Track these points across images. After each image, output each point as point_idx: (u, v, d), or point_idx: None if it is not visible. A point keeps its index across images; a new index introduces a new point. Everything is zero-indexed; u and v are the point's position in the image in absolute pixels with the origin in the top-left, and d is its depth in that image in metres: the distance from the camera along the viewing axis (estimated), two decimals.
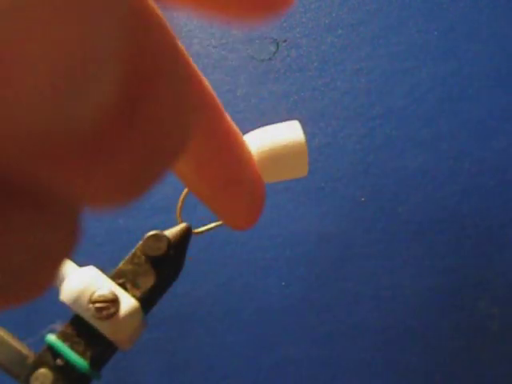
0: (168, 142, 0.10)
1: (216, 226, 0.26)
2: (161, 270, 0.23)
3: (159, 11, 0.09)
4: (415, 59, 0.55)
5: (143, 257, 0.23)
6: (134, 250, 0.24)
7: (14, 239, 0.09)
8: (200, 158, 0.17)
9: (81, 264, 0.24)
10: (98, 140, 0.09)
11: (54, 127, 0.08)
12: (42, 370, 0.21)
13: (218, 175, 0.17)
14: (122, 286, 0.22)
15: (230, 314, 0.48)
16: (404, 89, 0.54)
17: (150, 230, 0.25)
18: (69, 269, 0.23)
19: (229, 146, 0.18)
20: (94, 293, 0.22)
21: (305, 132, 0.22)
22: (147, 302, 0.23)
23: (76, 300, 0.22)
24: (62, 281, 0.22)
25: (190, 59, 0.15)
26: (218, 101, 0.18)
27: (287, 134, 0.22)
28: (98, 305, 0.21)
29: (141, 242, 0.24)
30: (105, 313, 0.21)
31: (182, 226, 0.25)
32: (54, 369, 0.21)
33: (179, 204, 0.25)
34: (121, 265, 0.23)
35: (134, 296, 0.22)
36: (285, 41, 0.57)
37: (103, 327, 0.21)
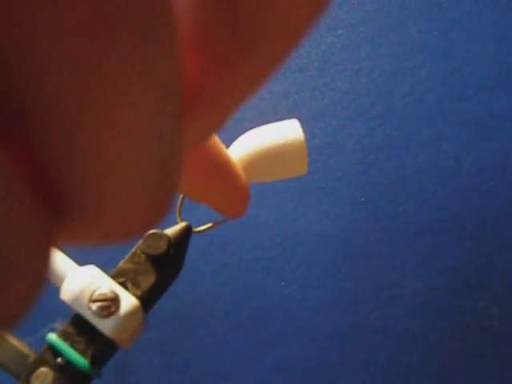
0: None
1: (216, 226, 0.26)
2: (161, 268, 0.23)
3: None
4: (415, 59, 0.55)
5: (143, 256, 0.23)
6: (134, 249, 0.24)
7: None
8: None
9: (81, 263, 0.24)
10: None
11: None
12: (43, 369, 0.21)
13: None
14: (123, 284, 0.22)
15: (230, 314, 0.48)
16: (404, 89, 0.54)
17: (149, 230, 0.25)
18: (69, 268, 0.23)
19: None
20: (94, 292, 0.22)
21: (305, 132, 0.22)
22: (147, 300, 0.23)
23: (76, 299, 0.22)
24: (62, 280, 0.22)
25: None
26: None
27: (287, 132, 0.22)
28: (98, 304, 0.21)
29: (141, 241, 0.24)
30: (105, 312, 0.21)
31: (182, 225, 0.25)
32: (55, 368, 0.21)
33: (179, 203, 0.25)
34: (121, 264, 0.23)
35: (134, 295, 0.22)
36: None
37: (104, 326, 0.21)
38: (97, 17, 0.07)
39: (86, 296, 0.22)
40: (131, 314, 0.21)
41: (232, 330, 0.47)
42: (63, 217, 0.09)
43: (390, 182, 0.51)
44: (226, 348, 0.47)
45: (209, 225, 0.26)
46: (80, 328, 0.21)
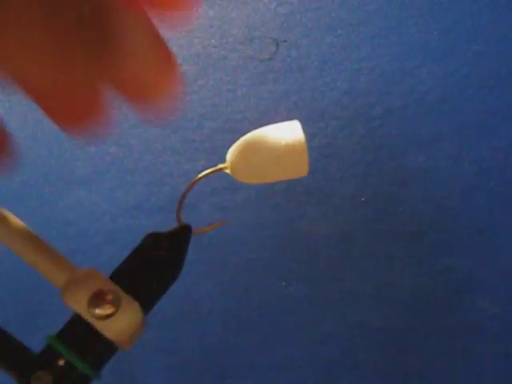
0: None
1: (215, 227, 0.26)
2: (161, 269, 0.23)
3: None
4: (415, 59, 0.55)
5: (143, 256, 0.23)
6: (133, 250, 0.24)
7: None
8: None
9: (81, 264, 0.24)
10: None
11: None
12: (43, 371, 0.21)
13: None
14: (123, 285, 0.22)
15: (229, 314, 0.48)
16: (404, 89, 0.54)
17: (149, 230, 0.25)
18: (69, 269, 0.23)
19: None
20: (94, 293, 0.22)
21: (305, 132, 0.22)
22: (147, 302, 0.23)
23: (76, 300, 0.22)
24: (62, 281, 0.22)
25: None
26: None
27: (287, 133, 0.22)
28: (98, 305, 0.21)
29: (141, 242, 0.24)
30: (105, 313, 0.21)
31: (182, 226, 0.25)
32: (55, 369, 0.21)
33: (179, 204, 0.25)
34: (121, 265, 0.23)
35: (134, 296, 0.22)
36: (285, 41, 0.57)
37: (103, 327, 0.21)
38: None
39: (86, 297, 0.22)
40: (131, 315, 0.21)
41: (232, 329, 0.47)
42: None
43: (390, 182, 0.51)
44: (226, 348, 0.47)
45: (209, 226, 0.26)
46: (80, 329, 0.21)
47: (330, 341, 0.47)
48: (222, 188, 0.49)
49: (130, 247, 0.24)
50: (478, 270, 0.48)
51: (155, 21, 0.17)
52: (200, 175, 0.25)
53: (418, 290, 0.47)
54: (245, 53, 0.56)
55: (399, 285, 0.48)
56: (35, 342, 0.22)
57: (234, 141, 0.24)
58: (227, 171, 0.25)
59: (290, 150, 0.21)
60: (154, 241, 0.23)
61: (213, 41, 0.57)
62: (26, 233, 0.22)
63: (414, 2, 0.57)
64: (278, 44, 0.57)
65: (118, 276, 0.23)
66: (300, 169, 0.22)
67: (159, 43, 0.17)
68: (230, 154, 0.24)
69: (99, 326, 0.21)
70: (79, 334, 0.21)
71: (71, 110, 0.19)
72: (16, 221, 0.22)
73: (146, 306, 0.23)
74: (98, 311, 0.21)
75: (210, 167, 0.25)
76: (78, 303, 0.21)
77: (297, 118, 0.23)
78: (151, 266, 0.23)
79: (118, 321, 0.21)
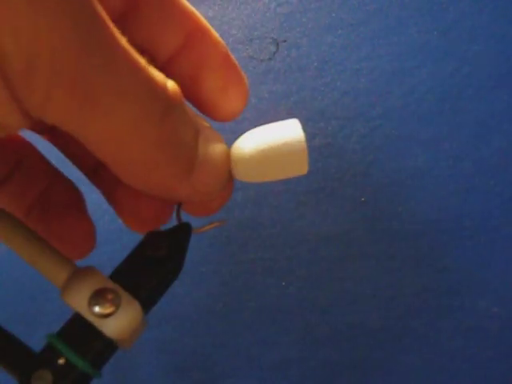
0: None
1: (216, 226, 0.26)
2: (161, 268, 0.23)
3: None
4: (415, 59, 0.55)
5: (143, 256, 0.23)
6: (133, 249, 0.24)
7: None
8: None
9: (81, 263, 0.24)
10: None
11: None
12: (43, 370, 0.21)
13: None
14: (123, 284, 0.22)
15: (229, 314, 0.48)
16: (404, 89, 0.54)
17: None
18: (69, 268, 0.23)
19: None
20: (94, 292, 0.22)
21: (305, 132, 0.22)
22: (147, 301, 0.23)
23: (76, 299, 0.22)
24: (62, 280, 0.22)
25: None
26: None
27: (286, 131, 0.22)
28: (98, 304, 0.21)
29: (141, 241, 0.24)
30: (105, 312, 0.21)
31: (182, 224, 0.25)
32: (54, 368, 0.21)
33: (178, 203, 0.25)
34: (121, 264, 0.23)
35: (134, 295, 0.22)
36: (285, 41, 0.57)
37: (103, 326, 0.21)
38: None
39: (86, 296, 0.22)
40: (131, 314, 0.21)
41: (232, 330, 0.47)
42: None
43: (390, 182, 0.51)
44: (226, 348, 0.47)
45: (209, 225, 0.26)
46: (80, 328, 0.21)
47: (329, 341, 0.47)
48: None
49: (130, 247, 0.24)
50: (478, 270, 0.48)
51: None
52: None
53: (417, 289, 0.47)
54: (245, 53, 0.56)
55: (399, 285, 0.48)
56: (35, 342, 0.22)
57: (234, 140, 0.24)
58: None
59: (289, 148, 0.21)
60: (153, 239, 0.23)
61: None
62: (25, 231, 0.22)
63: (414, 1, 0.57)
64: (278, 44, 0.57)
65: (118, 275, 0.23)
66: (300, 168, 0.22)
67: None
68: (230, 153, 0.24)
69: (99, 324, 0.21)
70: (79, 333, 0.21)
71: (145, 216, 0.22)
72: (15, 219, 0.23)
73: (146, 304, 0.23)
74: (98, 310, 0.21)
75: None
76: (78, 302, 0.22)
77: (297, 118, 0.23)
78: (151, 265, 0.23)
79: (119, 319, 0.21)
